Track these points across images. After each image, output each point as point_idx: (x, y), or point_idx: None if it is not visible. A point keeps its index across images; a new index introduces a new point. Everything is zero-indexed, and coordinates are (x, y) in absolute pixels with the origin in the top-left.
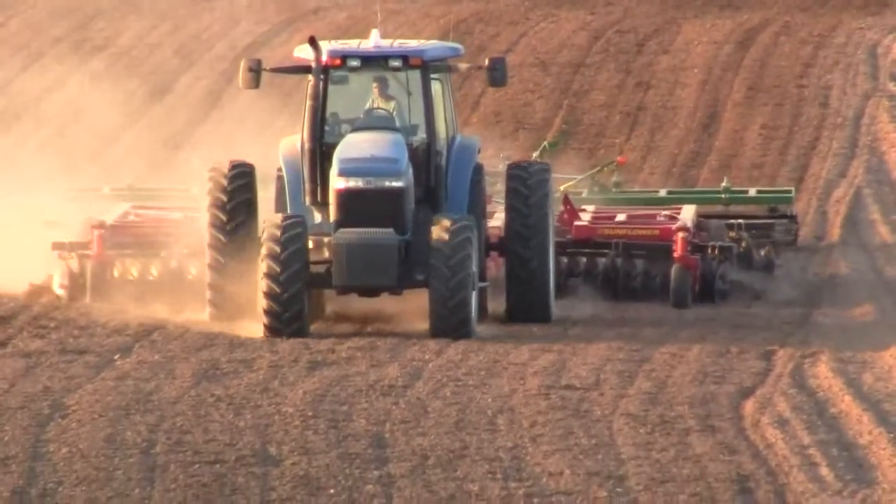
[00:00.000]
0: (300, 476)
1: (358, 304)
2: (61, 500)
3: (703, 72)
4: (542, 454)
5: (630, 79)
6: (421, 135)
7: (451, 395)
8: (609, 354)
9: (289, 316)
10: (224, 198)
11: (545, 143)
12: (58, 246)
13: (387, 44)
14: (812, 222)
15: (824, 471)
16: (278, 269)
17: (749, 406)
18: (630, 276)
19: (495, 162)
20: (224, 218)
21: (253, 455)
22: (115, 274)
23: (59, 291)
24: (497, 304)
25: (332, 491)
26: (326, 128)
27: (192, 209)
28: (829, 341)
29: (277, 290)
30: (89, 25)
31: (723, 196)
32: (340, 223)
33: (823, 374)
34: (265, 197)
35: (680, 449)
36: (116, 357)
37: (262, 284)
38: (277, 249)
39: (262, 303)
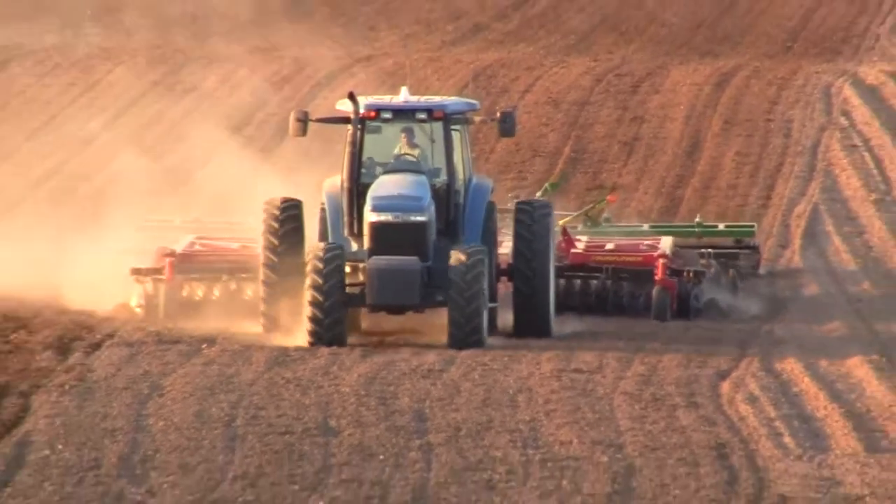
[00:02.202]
0: (355, 445)
1: (386, 321)
2: (159, 465)
3: (687, 108)
4: (555, 426)
5: (627, 114)
6: (442, 177)
7: (480, 377)
8: (610, 345)
9: (329, 321)
10: (276, 225)
11: (547, 184)
12: (135, 271)
13: (414, 99)
14: (777, 233)
15: (787, 439)
16: (321, 282)
17: (726, 386)
18: (618, 295)
19: (509, 185)
20: (275, 241)
21: (316, 427)
22: (184, 294)
23: (137, 310)
24: (505, 321)
25: (381, 457)
26: (363, 170)
27: (248, 239)
28: (791, 334)
29: (321, 298)
30: (180, 71)
31: (696, 230)
32: (373, 251)
33: (787, 359)
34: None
35: (668, 422)
36: (203, 346)
37: (308, 295)
38: (321, 266)
39: (307, 311)
